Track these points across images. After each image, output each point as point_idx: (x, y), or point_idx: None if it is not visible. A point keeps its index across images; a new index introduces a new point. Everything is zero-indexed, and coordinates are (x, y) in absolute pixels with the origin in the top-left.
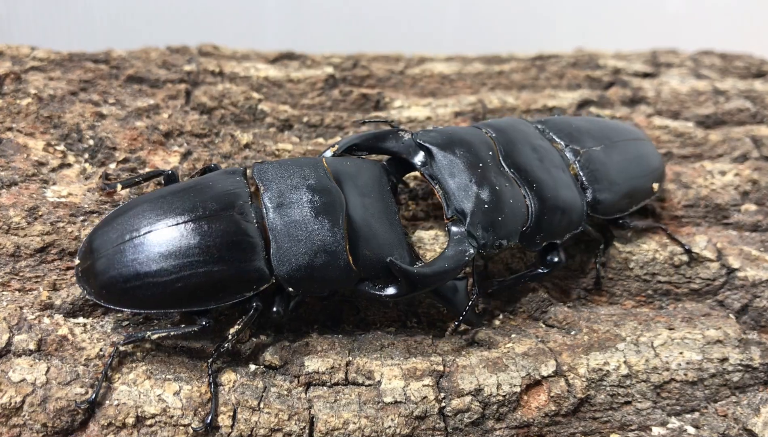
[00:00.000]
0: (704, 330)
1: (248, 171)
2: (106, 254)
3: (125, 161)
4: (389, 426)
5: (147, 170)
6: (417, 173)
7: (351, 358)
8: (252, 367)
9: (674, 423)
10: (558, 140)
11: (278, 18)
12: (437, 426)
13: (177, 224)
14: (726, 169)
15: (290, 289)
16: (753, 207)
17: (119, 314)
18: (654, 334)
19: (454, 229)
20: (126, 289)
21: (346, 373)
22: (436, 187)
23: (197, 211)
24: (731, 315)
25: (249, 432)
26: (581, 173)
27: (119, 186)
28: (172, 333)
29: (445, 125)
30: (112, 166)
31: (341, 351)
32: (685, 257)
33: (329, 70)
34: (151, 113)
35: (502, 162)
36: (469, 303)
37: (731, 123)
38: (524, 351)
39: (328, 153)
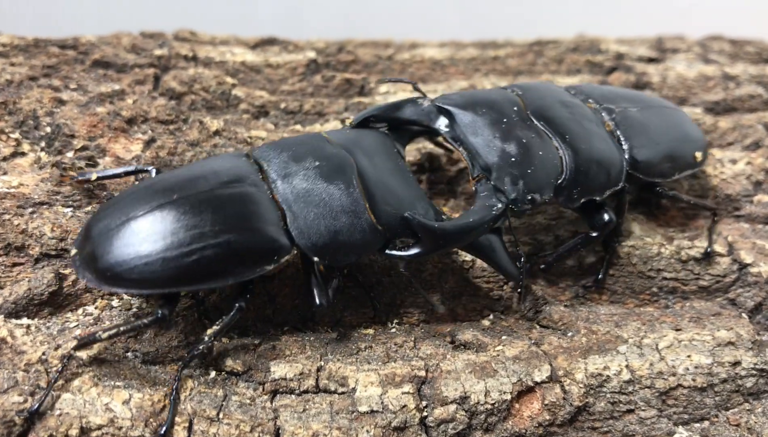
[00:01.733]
0: (714, 330)
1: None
2: (109, 234)
3: (83, 148)
4: None
5: (107, 158)
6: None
7: (323, 363)
8: (212, 373)
9: (681, 433)
10: (591, 101)
11: (275, 12)
12: None
13: (188, 196)
14: (737, 157)
15: (315, 259)
16: (766, 198)
17: (68, 315)
18: (659, 335)
19: (480, 187)
20: (133, 268)
21: (317, 380)
22: (460, 149)
23: (208, 184)
24: (744, 315)
25: None
26: (617, 130)
27: (94, 175)
28: (122, 328)
29: None
30: (69, 154)
31: (312, 354)
32: (693, 252)
33: (311, 54)
34: (114, 98)
35: (530, 116)
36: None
37: (742, 110)
38: (515, 355)
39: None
